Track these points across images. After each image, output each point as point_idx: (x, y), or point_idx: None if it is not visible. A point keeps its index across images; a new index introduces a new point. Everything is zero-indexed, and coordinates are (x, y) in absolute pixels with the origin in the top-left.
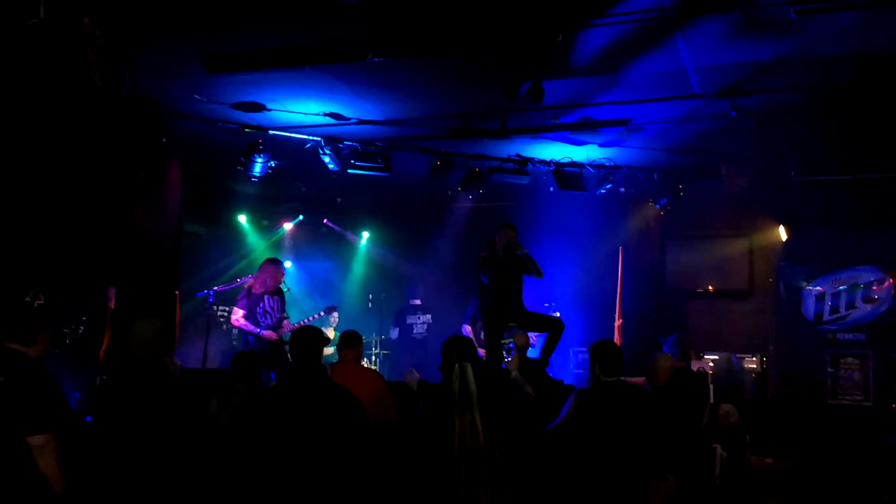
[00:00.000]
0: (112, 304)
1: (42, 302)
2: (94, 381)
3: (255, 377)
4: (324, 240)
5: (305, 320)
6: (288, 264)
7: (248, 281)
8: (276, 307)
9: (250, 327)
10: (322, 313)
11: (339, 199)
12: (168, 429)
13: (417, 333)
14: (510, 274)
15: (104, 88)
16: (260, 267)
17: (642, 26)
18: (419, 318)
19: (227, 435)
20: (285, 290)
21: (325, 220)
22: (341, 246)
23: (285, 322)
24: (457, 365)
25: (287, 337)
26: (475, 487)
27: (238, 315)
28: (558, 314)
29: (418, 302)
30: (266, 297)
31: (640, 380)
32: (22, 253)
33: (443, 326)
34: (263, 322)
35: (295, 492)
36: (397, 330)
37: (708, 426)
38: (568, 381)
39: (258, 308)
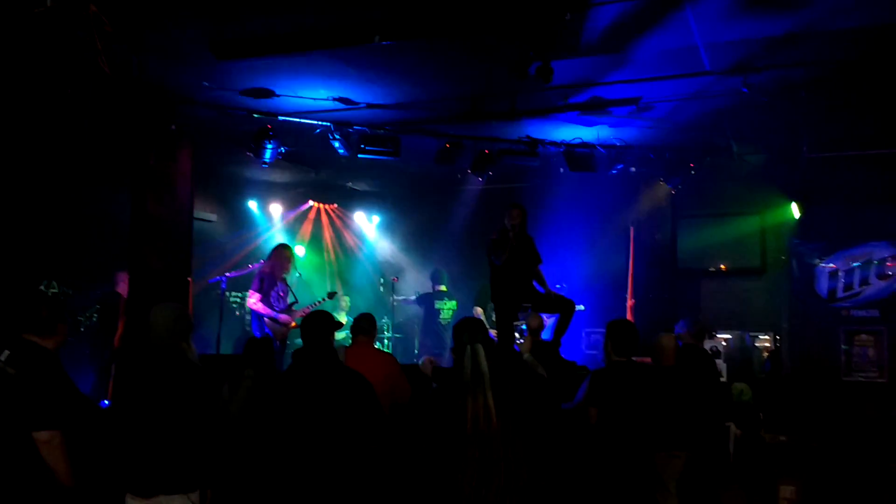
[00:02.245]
0: (121, 290)
1: (56, 290)
2: (110, 367)
3: (268, 363)
4: (334, 225)
5: (310, 306)
6: (300, 250)
7: (259, 266)
8: (286, 293)
9: (268, 311)
10: (324, 299)
11: (349, 184)
12: (190, 413)
13: (443, 319)
14: (521, 256)
15: (112, 76)
16: (271, 252)
17: (651, 2)
18: (445, 303)
19: (237, 420)
20: (296, 275)
21: (335, 206)
22: (352, 230)
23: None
24: (468, 347)
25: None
26: (489, 468)
27: (255, 299)
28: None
29: (443, 287)
30: (278, 282)
31: (645, 360)
32: (34, 241)
33: (459, 310)
34: (277, 306)
35: (307, 475)
36: (417, 307)
37: (721, 404)
38: (580, 362)
39: (272, 292)
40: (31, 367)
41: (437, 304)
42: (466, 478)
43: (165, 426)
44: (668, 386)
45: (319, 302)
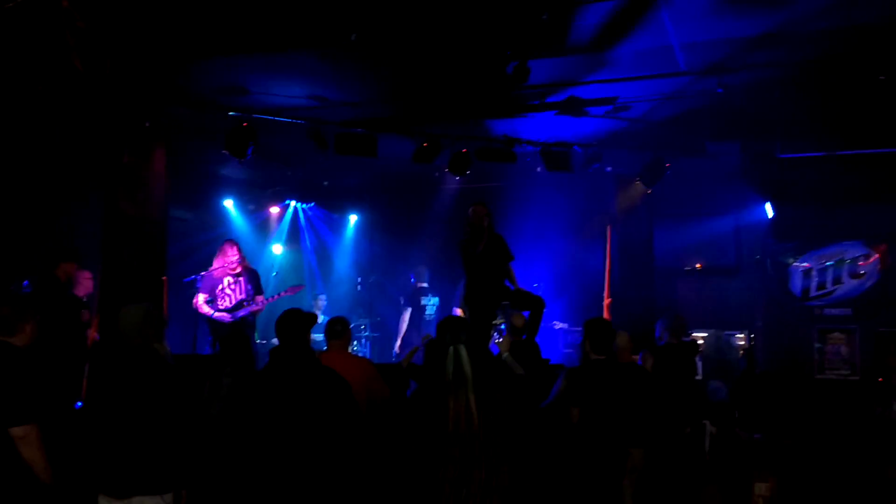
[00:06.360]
0: (79, 291)
1: (28, 289)
2: (82, 367)
3: (246, 361)
4: (311, 223)
5: (269, 299)
6: (277, 248)
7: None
8: (238, 289)
9: (205, 311)
10: (284, 293)
11: (325, 183)
12: (164, 413)
13: (428, 315)
14: (493, 254)
15: (85, 72)
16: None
17: (628, 2)
18: (430, 299)
19: (218, 420)
20: (273, 273)
21: (312, 204)
22: (329, 229)
23: (259, 298)
24: (451, 347)
25: (246, 317)
26: (470, 467)
27: (199, 299)
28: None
29: (426, 284)
30: (226, 278)
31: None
32: (5, 241)
33: (442, 307)
34: (221, 303)
35: (286, 473)
36: (410, 310)
37: (695, 402)
38: (556, 360)
39: (217, 290)
40: (1, 364)
41: (423, 301)
42: (447, 477)
43: (139, 426)
44: (630, 383)
45: (278, 296)
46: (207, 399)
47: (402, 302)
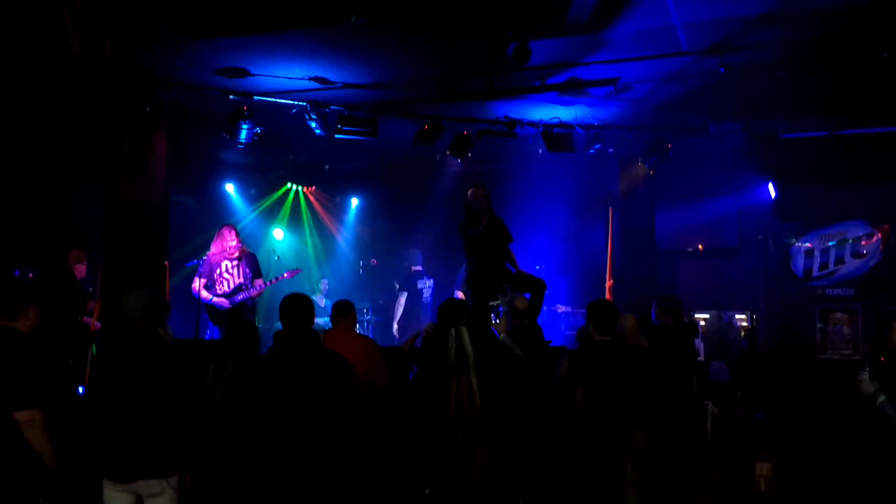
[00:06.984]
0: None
1: (32, 276)
2: (86, 352)
3: (251, 345)
4: (313, 207)
5: (268, 282)
6: (279, 233)
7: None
8: (235, 273)
9: (205, 296)
10: (285, 275)
11: (327, 167)
12: (167, 398)
13: (425, 298)
14: (494, 235)
15: (84, 56)
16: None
17: None
18: (426, 282)
19: (222, 403)
20: (275, 258)
21: (313, 188)
22: (330, 213)
23: (258, 282)
24: (453, 329)
25: (245, 302)
26: (472, 448)
27: (198, 284)
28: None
29: (420, 268)
30: (224, 262)
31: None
32: (6, 227)
33: (440, 291)
34: (219, 288)
35: (290, 456)
36: (406, 294)
37: (698, 383)
38: (559, 341)
39: (215, 275)
40: (4, 349)
41: (419, 285)
42: (450, 458)
43: (143, 411)
44: (633, 365)
45: (275, 280)
46: (211, 383)
47: (396, 287)
